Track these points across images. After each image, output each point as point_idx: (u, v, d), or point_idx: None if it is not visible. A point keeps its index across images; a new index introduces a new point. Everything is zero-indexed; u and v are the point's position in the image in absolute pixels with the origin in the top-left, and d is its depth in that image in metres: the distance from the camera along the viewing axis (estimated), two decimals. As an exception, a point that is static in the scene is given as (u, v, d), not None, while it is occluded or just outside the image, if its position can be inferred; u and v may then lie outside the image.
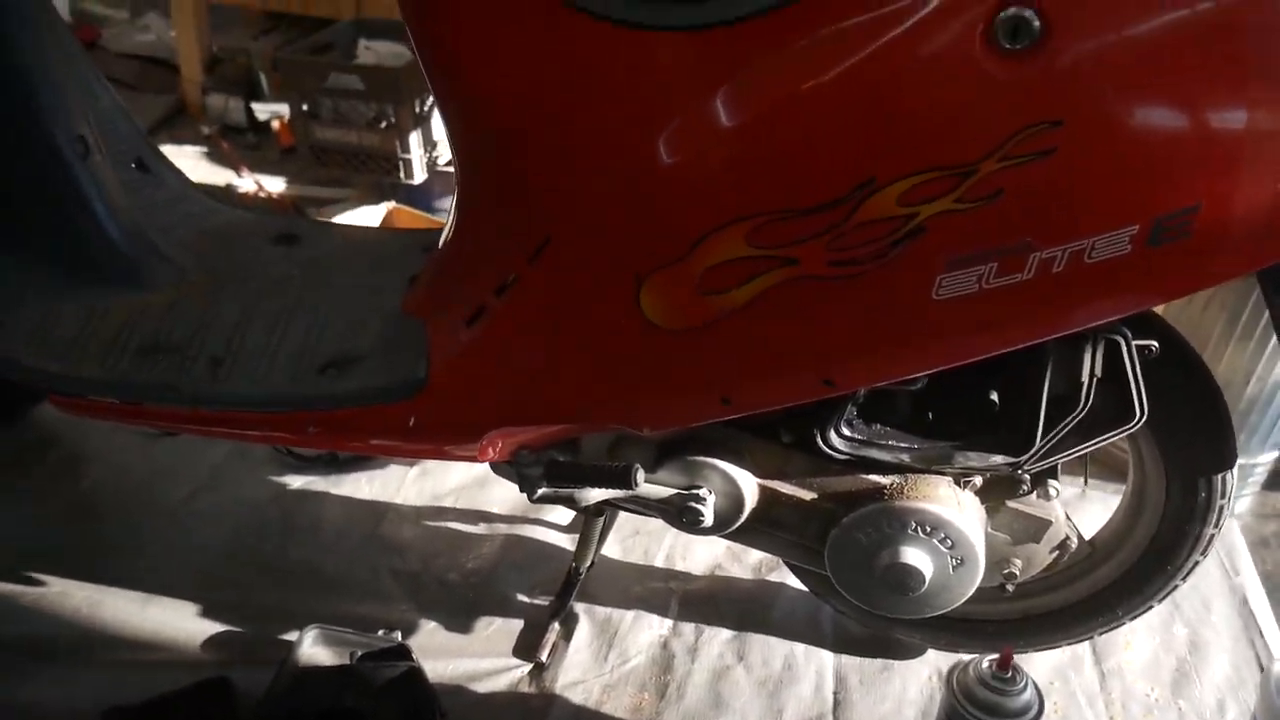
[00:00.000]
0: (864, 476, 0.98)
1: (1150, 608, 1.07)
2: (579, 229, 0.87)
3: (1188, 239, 0.75)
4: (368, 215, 2.37)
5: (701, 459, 0.99)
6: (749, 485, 1.00)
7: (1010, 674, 0.93)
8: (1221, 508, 0.99)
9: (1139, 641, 1.23)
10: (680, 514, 1.00)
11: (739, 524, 1.02)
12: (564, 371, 0.95)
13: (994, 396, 0.92)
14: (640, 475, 0.94)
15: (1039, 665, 1.19)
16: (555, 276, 0.90)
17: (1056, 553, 1.02)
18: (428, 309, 1.11)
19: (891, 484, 0.97)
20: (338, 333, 1.18)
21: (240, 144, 2.87)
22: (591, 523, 1.23)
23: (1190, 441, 0.97)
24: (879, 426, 0.97)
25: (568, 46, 0.83)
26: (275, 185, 2.69)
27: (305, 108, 2.47)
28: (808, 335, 0.84)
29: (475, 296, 0.99)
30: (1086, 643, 1.17)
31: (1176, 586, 1.05)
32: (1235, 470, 0.98)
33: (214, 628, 1.25)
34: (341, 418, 1.06)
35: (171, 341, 1.17)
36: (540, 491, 1.01)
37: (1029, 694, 0.93)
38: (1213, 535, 1.01)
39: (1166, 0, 0.70)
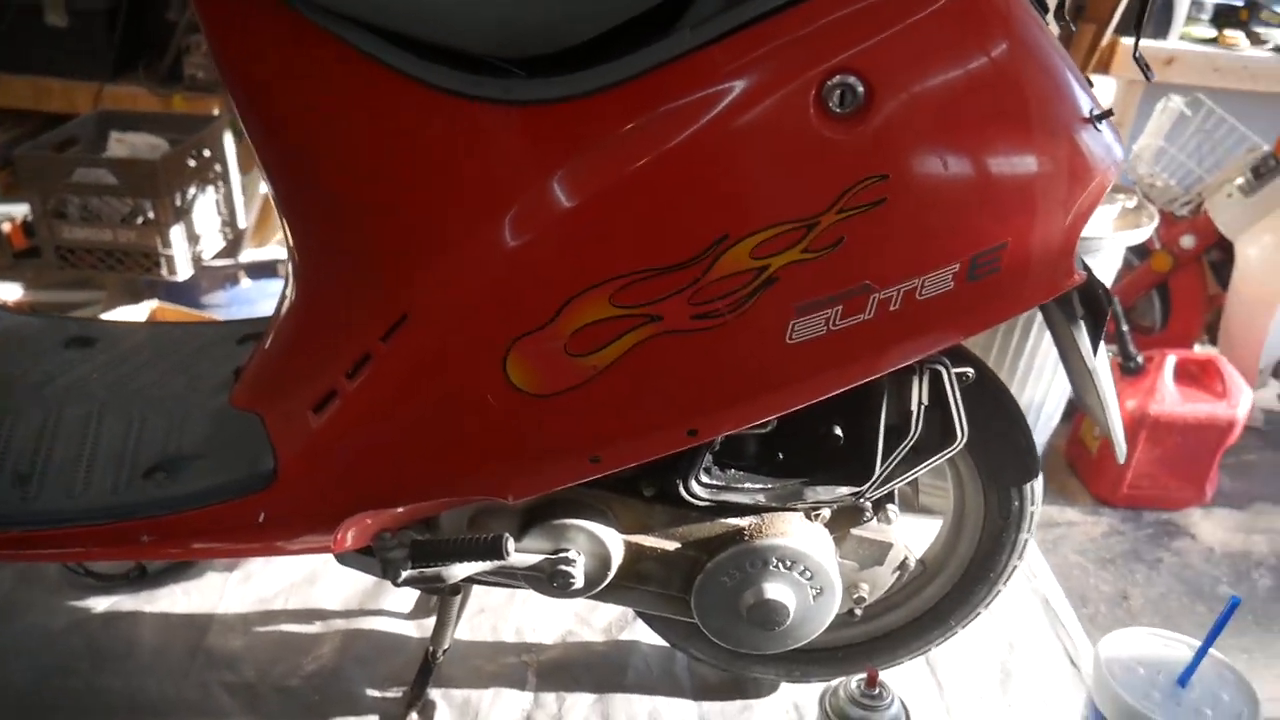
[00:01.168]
0: (723, 521, 1.02)
1: (979, 614, 1.17)
2: (439, 303, 0.88)
3: (998, 273, 0.86)
4: (128, 316, 2.22)
5: (567, 521, 1.00)
6: (615, 543, 1.02)
7: (878, 691, 0.98)
8: (1032, 513, 1.11)
9: (964, 648, 1.33)
10: (551, 579, 1.00)
11: (606, 582, 1.03)
12: (428, 448, 0.94)
13: (838, 431, 0.99)
14: (511, 544, 0.94)
15: (882, 684, 1.27)
16: (414, 353, 0.90)
17: (898, 573, 1.10)
18: (263, 399, 1.07)
19: (750, 525, 1.02)
20: (158, 435, 1.11)
21: (-37, 252, 2.62)
22: (448, 603, 1.20)
23: (1002, 457, 1.08)
24: (734, 471, 1.02)
25: (392, 111, 0.85)
26: (10, 293, 2.48)
27: (48, 206, 2.30)
28: (674, 388, 0.88)
29: (322, 380, 0.96)
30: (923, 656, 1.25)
31: (999, 591, 1.15)
32: (1041, 478, 1.10)
33: (29, 775, 1.12)
34: (180, 522, 1.00)
35: (-37, 462, 1.06)
36: (405, 574, 0.98)
37: (895, 708, 0.99)
38: (1026, 540, 1.12)
39: (956, 60, 0.81)
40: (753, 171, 0.81)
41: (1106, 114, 0.88)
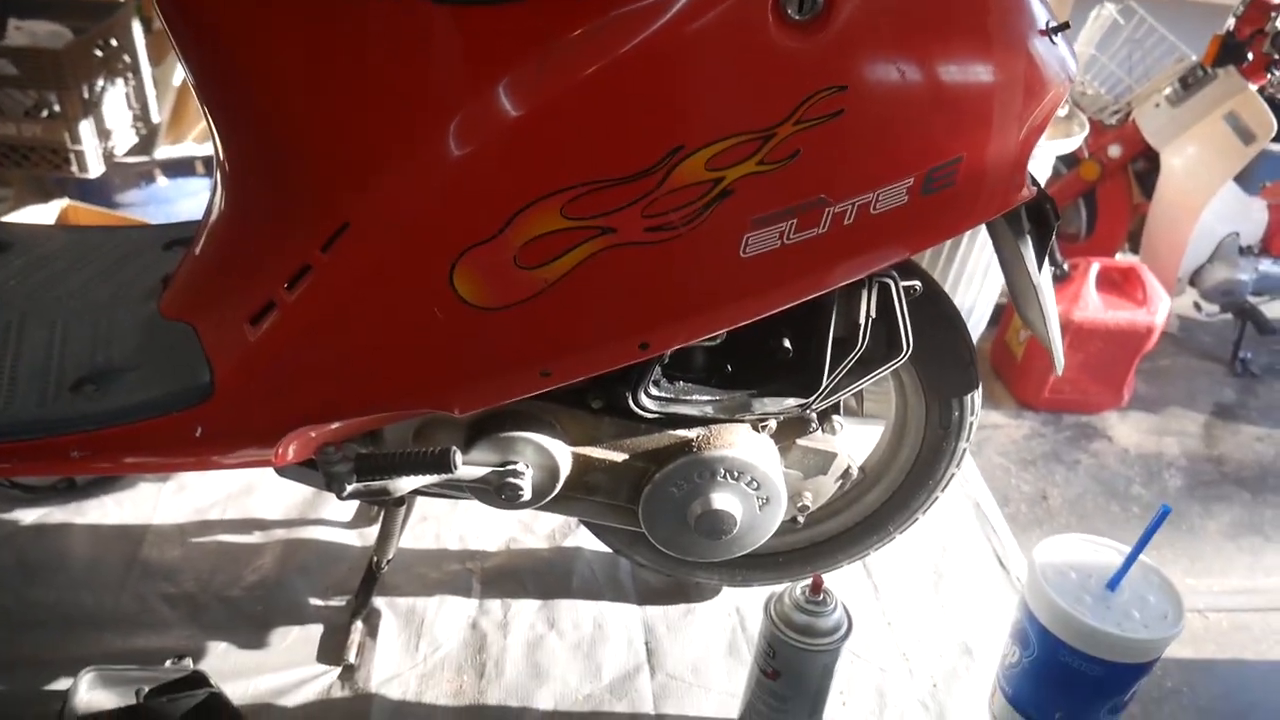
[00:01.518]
0: (672, 433, 1.02)
1: (916, 520, 1.20)
2: (382, 212, 0.85)
3: (952, 187, 0.85)
4: (36, 216, 2.11)
5: (515, 434, 0.99)
6: (563, 455, 1.01)
7: (822, 597, 1.01)
8: (971, 423, 1.13)
9: (899, 552, 1.37)
10: (498, 491, 1.00)
11: (554, 494, 1.03)
12: (371, 361, 0.92)
13: (787, 344, 0.99)
14: (458, 458, 0.93)
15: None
16: (356, 263, 0.87)
17: (840, 482, 1.12)
18: (195, 310, 1.03)
19: (698, 436, 1.02)
20: (84, 345, 1.06)
21: None
22: (392, 514, 1.20)
23: (944, 368, 1.09)
24: (682, 383, 1.02)
25: (328, 11, 0.81)
26: (-92, 192, 2.35)
27: (-57, 99, 2.17)
28: (626, 300, 0.87)
29: (259, 291, 0.93)
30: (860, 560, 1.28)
31: (937, 499, 1.18)
32: (980, 389, 1.12)
33: (-38, 692, 1.10)
34: (112, 436, 0.96)
35: (-126, 375, 1.01)
36: (350, 488, 0.97)
37: (839, 613, 1.01)
38: (965, 448, 1.15)
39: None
40: (708, 81, 0.79)
41: (1063, 27, 0.88)
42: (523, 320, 0.87)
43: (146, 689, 1.08)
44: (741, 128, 0.80)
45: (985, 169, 0.86)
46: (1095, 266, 2.61)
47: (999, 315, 2.80)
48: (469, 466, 0.99)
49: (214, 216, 0.99)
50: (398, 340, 0.90)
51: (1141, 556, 1.01)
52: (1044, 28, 0.85)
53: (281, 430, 0.94)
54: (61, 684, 1.10)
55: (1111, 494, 2.45)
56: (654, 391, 0.99)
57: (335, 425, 0.95)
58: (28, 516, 1.35)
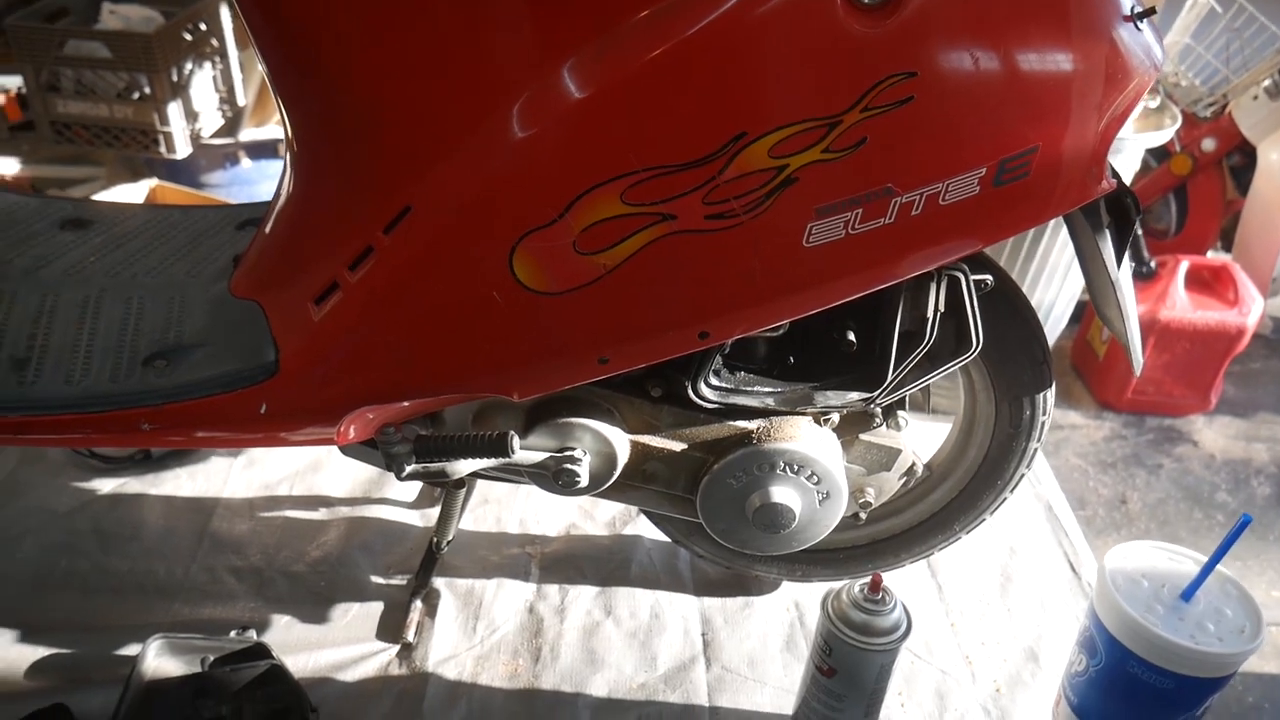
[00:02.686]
0: (731, 423, 1.01)
1: (983, 520, 1.17)
2: (443, 196, 0.85)
3: (1027, 179, 0.82)
4: (126, 195, 2.18)
5: (573, 420, 0.99)
6: (621, 442, 1.01)
7: (880, 595, 0.99)
8: (1043, 423, 1.09)
9: (965, 552, 1.34)
10: (556, 477, 1.00)
11: (611, 481, 1.03)
12: (432, 343, 0.92)
13: (851, 336, 0.97)
14: (516, 442, 0.93)
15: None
16: (418, 246, 0.87)
17: (905, 479, 1.09)
18: (263, 289, 1.05)
19: (758, 428, 1.01)
20: (157, 322, 1.09)
21: (-43, 122, 2.55)
22: (453, 496, 1.21)
23: (1016, 366, 1.06)
24: (743, 374, 1.00)
25: None
26: (7, 167, 2.43)
27: (41, 79, 2.24)
28: (686, 289, 0.86)
29: (323, 272, 0.94)
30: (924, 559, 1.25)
31: (1005, 499, 1.15)
32: (1053, 388, 1.08)
33: (38, 652, 1.13)
34: (181, 411, 0.98)
35: (-42, 344, 1.05)
36: (409, 469, 0.97)
37: (898, 612, 0.99)
38: (1036, 449, 1.11)
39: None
40: (774, 66, 0.77)
41: (1149, 12, 0.84)
42: (581, 306, 0.86)
43: (211, 658, 1.11)
44: (807, 114, 0.78)
45: (1062, 160, 0.82)
46: (1184, 265, 2.51)
47: (1081, 312, 2.72)
48: (527, 451, 0.99)
49: (283, 198, 1.00)
50: (456, 323, 0.90)
51: (1219, 567, 0.97)
52: (1128, 13, 0.81)
53: (343, 409, 0.95)
54: (131, 649, 1.13)
55: (1195, 500, 2.36)
56: (714, 381, 0.98)
57: (395, 406, 0.96)
58: (105, 486, 1.39)
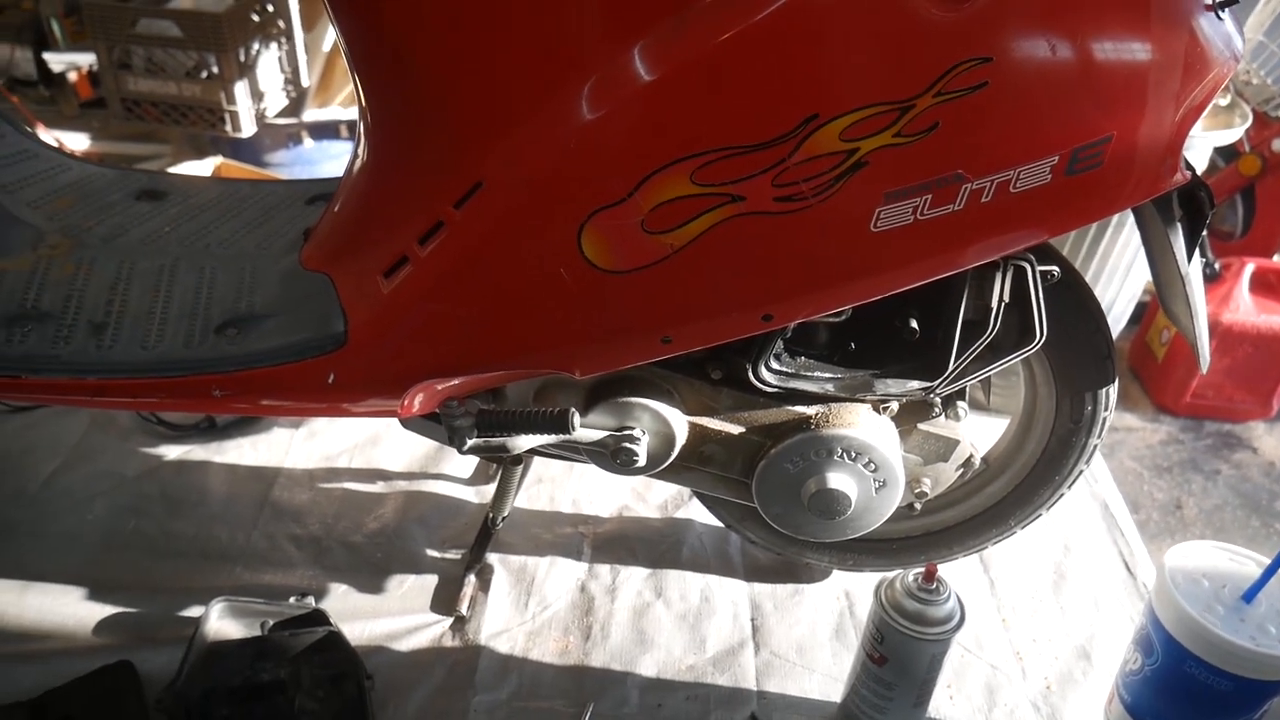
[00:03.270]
0: (790, 408, 1.01)
1: (1040, 516, 1.16)
2: (516, 172, 0.86)
3: (1099, 168, 0.82)
4: (192, 172, 2.23)
5: (633, 399, 1.00)
6: (679, 423, 1.02)
7: (935, 585, 0.99)
8: (1104, 420, 1.08)
9: (1019, 548, 1.33)
10: (614, 455, 1.01)
11: (669, 462, 1.04)
12: (498, 319, 0.93)
13: (914, 324, 0.97)
14: (577, 419, 0.94)
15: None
16: (489, 222, 0.88)
17: (961, 470, 1.09)
18: (333, 261, 1.07)
19: (816, 414, 1.01)
20: (229, 291, 1.11)
21: (31, 98, 2.60)
22: (510, 472, 1.22)
23: (1079, 360, 1.05)
24: (804, 359, 1.01)
25: None
26: (77, 143, 2.49)
27: (113, 57, 2.29)
28: (752, 271, 0.86)
29: (394, 246, 0.95)
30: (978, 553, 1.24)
31: (1063, 495, 1.14)
32: (1116, 384, 1.07)
33: (106, 610, 1.17)
34: (251, 378, 1.01)
35: (41, 309, 1.08)
36: (470, 443, 0.99)
37: (952, 603, 0.99)
38: (1096, 445, 1.10)
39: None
40: (847, 49, 0.77)
41: (1231, 1, 0.83)
42: (647, 285, 0.87)
43: (271, 622, 1.14)
44: (879, 98, 0.78)
45: (1136, 150, 0.81)
46: (1250, 267, 2.46)
47: (1140, 313, 2.67)
48: (586, 429, 1.00)
49: (355, 173, 1.02)
50: (523, 300, 0.91)
51: (1283, 569, 0.96)
52: (1210, 2, 0.80)
53: (408, 382, 0.97)
54: (194, 611, 1.16)
55: (1253, 508, 2.32)
56: (775, 365, 0.99)
57: (459, 380, 0.97)
58: (171, 453, 1.43)
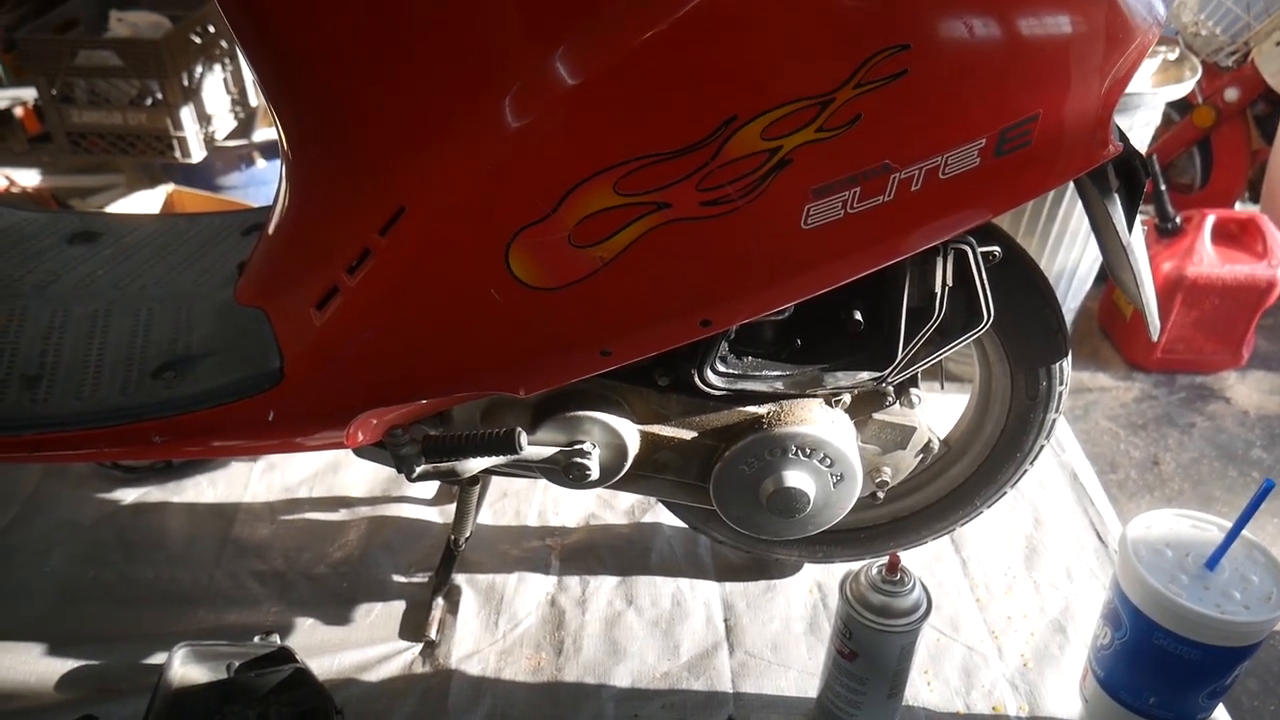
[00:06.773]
0: (741, 409, 1.00)
1: (1004, 494, 1.15)
2: (436, 195, 0.84)
3: (1029, 147, 0.80)
4: (144, 201, 2.20)
5: (581, 413, 0.98)
6: (630, 433, 1.00)
7: (899, 576, 0.97)
8: (1061, 393, 1.07)
9: (989, 525, 1.32)
10: (566, 471, 0.99)
11: (623, 473, 1.02)
12: (434, 344, 0.92)
13: (858, 316, 0.95)
14: (523, 438, 0.93)
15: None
16: (414, 247, 0.87)
17: (921, 456, 1.08)
18: (266, 296, 1.04)
19: (768, 413, 1.00)
20: (165, 332, 1.09)
21: (-23, 137, 2.57)
22: (468, 493, 1.20)
23: (1030, 336, 1.04)
24: (751, 359, 0.99)
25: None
26: (29, 179, 2.45)
27: (55, 91, 2.25)
28: (684, 277, 0.84)
29: (323, 277, 0.94)
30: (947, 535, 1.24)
31: (1026, 471, 1.13)
32: (1070, 357, 1.06)
33: (67, 665, 1.14)
34: (190, 421, 0.99)
35: (-28, 364, 1.05)
36: (419, 469, 0.97)
37: (917, 592, 0.98)
38: (1054, 419, 1.09)
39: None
40: (761, 46, 0.75)
41: (1148, -33, 0.81)
42: (580, 300, 0.85)
43: (236, 664, 1.11)
44: (798, 94, 0.76)
45: (1064, 126, 0.80)
46: (1210, 219, 2.46)
47: (1106, 274, 2.67)
48: (536, 447, 0.98)
49: (280, 204, 1.00)
50: (457, 323, 0.89)
51: (1245, 532, 0.95)
52: (1126, -30, 0.78)
53: (350, 413, 0.94)
54: (157, 658, 1.14)
55: (1229, 459, 2.32)
56: (721, 368, 0.97)
57: (401, 408, 0.95)
58: (129, 496, 1.40)
